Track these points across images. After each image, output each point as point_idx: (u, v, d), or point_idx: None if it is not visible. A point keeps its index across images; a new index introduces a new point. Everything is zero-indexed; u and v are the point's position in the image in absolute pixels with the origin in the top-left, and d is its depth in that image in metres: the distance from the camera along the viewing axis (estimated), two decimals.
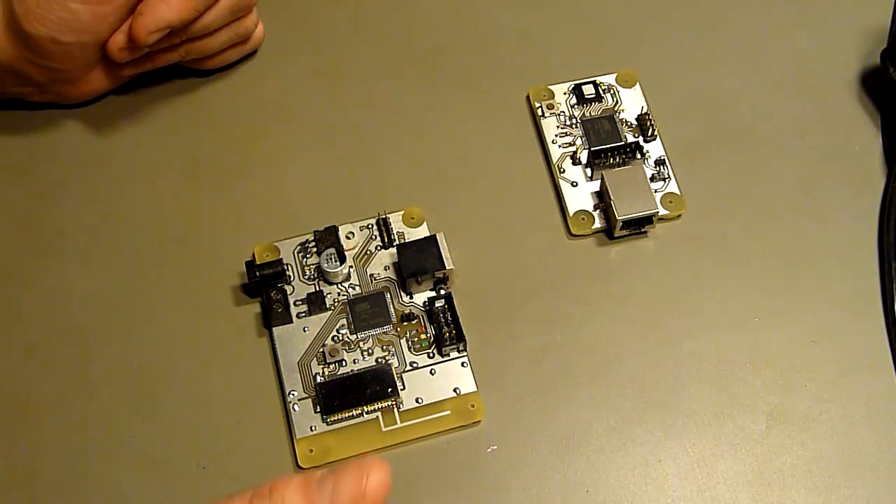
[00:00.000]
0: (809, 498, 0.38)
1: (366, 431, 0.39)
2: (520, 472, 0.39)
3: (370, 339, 0.41)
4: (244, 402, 0.40)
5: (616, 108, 0.46)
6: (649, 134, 0.45)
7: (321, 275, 0.42)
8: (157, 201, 0.44)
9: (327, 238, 0.42)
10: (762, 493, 0.38)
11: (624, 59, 0.47)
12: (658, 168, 0.44)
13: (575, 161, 0.44)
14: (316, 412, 0.39)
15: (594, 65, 0.47)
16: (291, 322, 0.41)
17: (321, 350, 0.40)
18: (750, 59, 0.47)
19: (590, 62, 0.47)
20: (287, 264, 0.42)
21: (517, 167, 0.45)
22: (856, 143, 0.45)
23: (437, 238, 0.41)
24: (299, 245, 0.42)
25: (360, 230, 0.43)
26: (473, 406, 0.39)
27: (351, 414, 0.39)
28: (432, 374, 0.40)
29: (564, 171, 0.44)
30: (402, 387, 0.40)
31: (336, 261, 0.41)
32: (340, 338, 0.41)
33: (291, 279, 0.42)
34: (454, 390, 0.40)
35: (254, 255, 0.42)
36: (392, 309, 0.41)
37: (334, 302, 0.41)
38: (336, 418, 0.39)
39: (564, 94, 0.46)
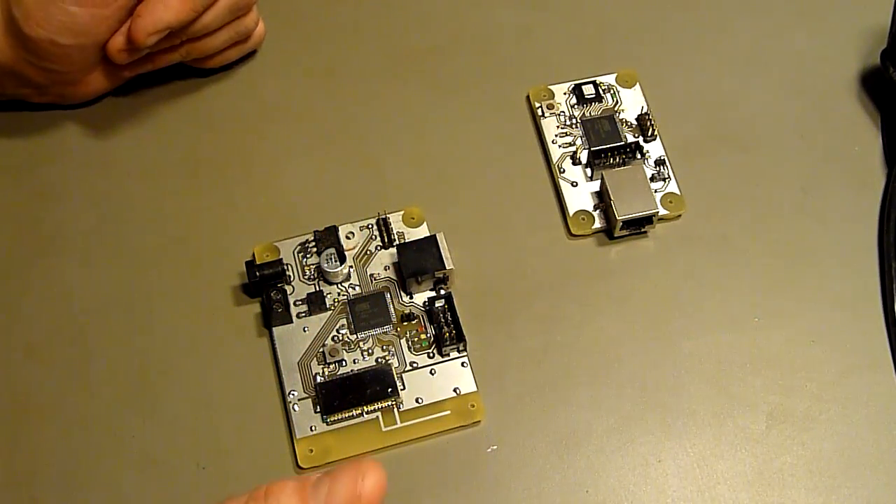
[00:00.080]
0: (809, 498, 0.38)
1: (366, 431, 0.39)
2: (520, 472, 0.39)
3: (370, 339, 0.41)
4: (244, 402, 0.40)
5: (616, 108, 0.46)
6: (649, 134, 0.45)
7: (321, 275, 0.42)
8: (157, 201, 0.44)
9: (327, 238, 0.42)
10: (762, 492, 0.38)
11: (624, 59, 0.47)
12: (658, 168, 0.44)
13: (575, 161, 0.44)
14: (316, 412, 0.39)
15: (594, 65, 0.47)
16: (291, 322, 0.41)
17: (321, 350, 0.40)
18: (750, 59, 0.47)
19: (590, 62, 0.47)
20: (287, 264, 0.42)
21: (517, 167, 0.45)
22: (856, 143, 0.45)
23: (437, 238, 0.41)
24: (299, 245, 0.42)
25: (360, 230, 0.43)
26: (473, 406, 0.39)
27: (351, 414, 0.39)
28: (432, 374, 0.40)
29: (564, 171, 0.44)
30: (402, 387, 0.40)
31: (336, 261, 0.41)
32: (340, 338, 0.41)
33: (291, 279, 0.42)
34: (454, 390, 0.40)
35: (254, 255, 0.42)
36: (392, 309, 0.41)
37: (334, 302, 0.41)
38: (336, 418, 0.39)
39: (564, 94, 0.46)
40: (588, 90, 0.46)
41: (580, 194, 0.44)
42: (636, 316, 0.42)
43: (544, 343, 0.41)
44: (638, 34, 0.48)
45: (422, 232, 0.43)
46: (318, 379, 0.40)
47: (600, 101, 0.46)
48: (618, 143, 0.44)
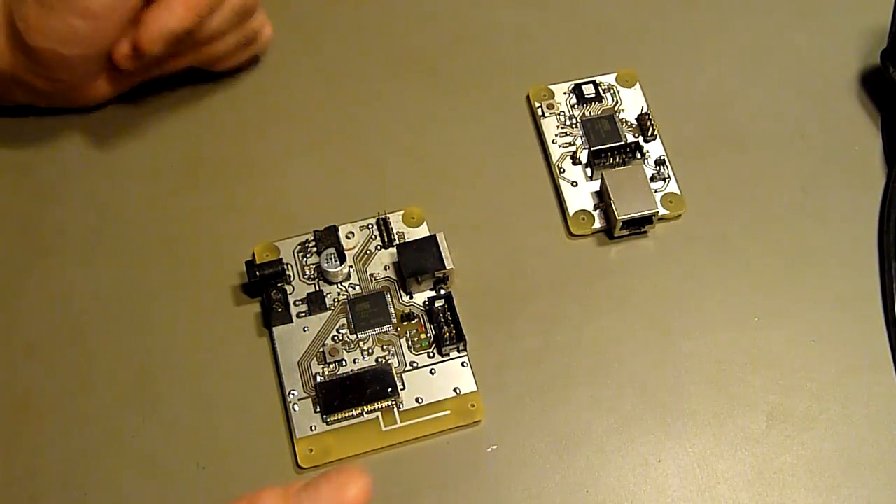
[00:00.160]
0: (809, 498, 0.38)
1: (366, 431, 0.39)
2: (520, 472, 0.39)
3: (370, 339, 0.41)
4: (244, 402, 0.40)
5: (616, 108, 0.46)
6: (649, 134, 0.45)
7: (321, 275, 0.42)
8: (157, 201, 0.44)
9: (327, 238, 0.42)
10: (762, 492, 0.38)
11: (624, 59, 0.47)
12: (658, 168, 0.44)
13: (575, 161, 0.44)
14: (316, 412, 0.39)
15: (594, 65, 0.47)
16: (291, 322, 0.41)
17: (321, 350, 0.40)
18: (750, 59, 0.47)
19: (590, 62, 0.47)
20: (287, 264, 0.42)
21: (517, 167, 0.45)
22: (856, 143, 0.45)
23: (437, 238, 0.41)
24: (299, 245, 0.42)
25: (360, 230, 0.43)
26: (473, 406, 0.39)
27: (351, 414, 0.39)
28: (432, 374, 0.40)
29: (564, 170, 0.44)
30: (402, 387, 0.40)
31: (336, 261, 0.41)
32: (340, 338, 0.41)
33: (291, 279, 0.42)
34: (454, 390, 0.40)
35: (254, 255, 0.42)
36: (392, 309, 0.41)
37: (334, 302, 0.41)
38: (336, 418, 0.39)
39: (564, 93, 0.46)
40: (588, 90, 0.46)
41: (580, 194, 0.44)
42: (636, 316, 0.42)
43: (544, 343, 0.41)
44: (638, 34, 0.48)
45: (422, 232, 0.43)
46: (318, 379, 0.40)
47: (600, 101, 0.46)
48: (618, 143, 0.44)
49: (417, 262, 0.41)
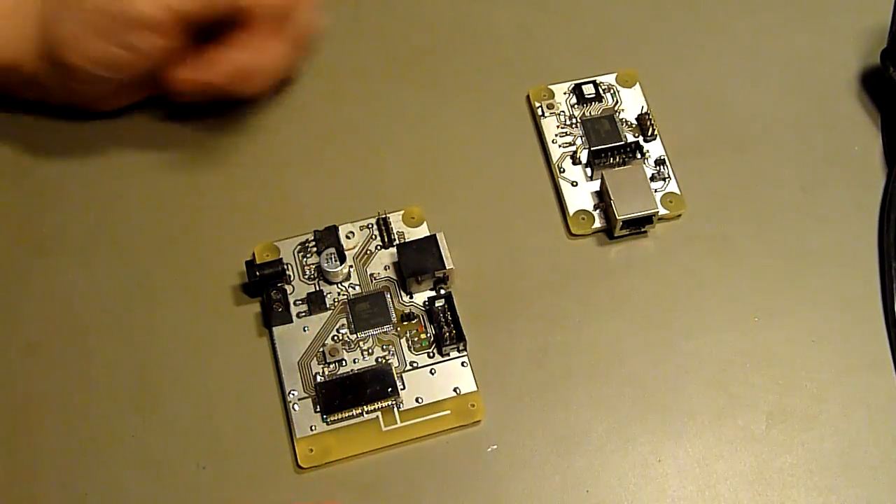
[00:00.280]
0: (809, 498, 0.38)
1: (366, 431, 0.39)
2: (520, 472, 0.39)
3: (370, 339, 0.41)
4: (244, 402, 0.40)
5: (616, 108, 0.46)
6: (649, 134, 0.45)
7: (321, 274, 0.42)
8: (157, 202, 0.44)
9: (327, 238, 0.42)
10: (762, 492, 0.38)
11: (624, 59, 0.47)
12: (658, 168, 0.44)
13: (575, 161, 0.44)
14: (316, 412, 0.39)
15: (594, 65, 0.47)
16: (291, 322, 0.41)
17: (321, 350, 0.40)
18: (750, 59, 0.47)
19: (590, 62, 0.47)
20: (287, 264, 0.42)
21: (517, 167, 0.45)
22: (856, 143, 0.45)
23: (437, 238, 0.41)
24: (299, 245, 0.42)
25: (360, 230, 0.43)
26: (473, 406, 0.39)
27: (351, 414, 0.39)
28: (432, 374, 0.40)
29: (564, 170, 0.44)
30: (402, 386, 0.40)
31: (336, 260, 0.41)
32: (340, 337, 0.41)
33: (291, 279, 0.42)
34: (454, 390, 0.40)
35: (254, 254, 0.42)
36: (392, 309, 0.41)
37: (334, 302, 0.41)
38: (336, 418, 0.39)
39: (564, 93, 0.46)
40: (588, 90, 0.46)
41: (580, 194, 0.44)
42: (636, 316, 0.42)
43: (544, 343, 0.41)
44: (638, 34, 0.48)
45: (422, 232, 0.43)
46: (318, 379, 0.40)
47: (600, 101, 0.46)
48: (618, 143, 0.44)
49: (417, 262, 0.41)
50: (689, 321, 0.41)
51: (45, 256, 0.43)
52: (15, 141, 0.45)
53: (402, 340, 0.41)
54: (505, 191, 0.44)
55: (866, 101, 0.46)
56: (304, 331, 0.41)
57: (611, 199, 0.42)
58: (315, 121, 0.46)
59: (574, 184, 0.44)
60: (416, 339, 0.41)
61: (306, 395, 0.40)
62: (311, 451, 0.39)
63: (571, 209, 0.43)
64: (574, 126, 0.45)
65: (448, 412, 0.39)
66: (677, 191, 0.44)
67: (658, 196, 0.43)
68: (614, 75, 0.46)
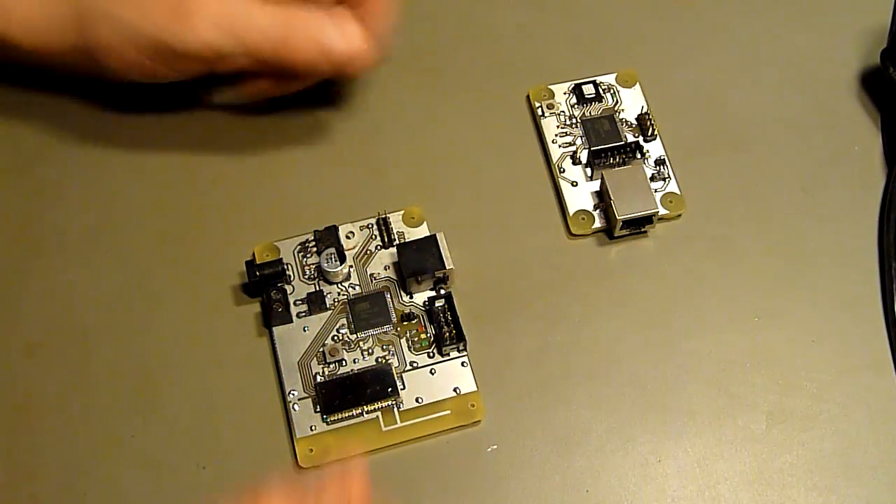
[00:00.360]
0: (809, 498, 0.38)
1: (366, 431, 0.39)
2: (520, 472, 0.39)
3: (370, 339, 0.41)
4: (244, 402, 0.40)
5: (616, 108, 0.46)
6: (649, 134, 0.45)
7: (321, 274, 0.42)
8: (157, 201, 0.44)
9: (327, 238, 0.42)
10: (762, 492, 0.38)
11: (624, 59, 0.47)
12: (658, 168, 0.44)
13: (575, 161, 0.44)
14: (316, 412, 0.39)
15: (594, 65, 0.47)
16: (291, 322, 0.41)
17: (321, 350, 0.40)
18: (750, 59, 0.47)
19: (590, 62, 0.47)
20: (287, 264, 0.42)
21: (517, 167, 0.45)
22: (856, 143, 0.45)
23: (437, 238, 0.41)
24: (299, 245, 0.42)
25: (360, 230, 0.43)
26: (473, 406, 0.39)
27: (351, 413, 0.39)
28: (432, 374, 0.40)
29: (564, 170, 0.44)
30: (402, 386, 0.40)
31: (336, 260, 0.41)
32: (340, 337, 0.41)
33: (291, 279, 0.42)
34: (454, 390, 0.40)
35: (254, 254, 0.42)
36: (392, 309, 0.41)
37: (334, 302, 0.41)
38: (336, 418, 0.39)
39: (564, 93, 0.46)
40: (588, 90, 0.46)
41: (580, 194, 0.44)
42: (636, 316, 0.42)
43: (544, 343, 0.41)
44: (638, 34, 0.48)
45: (422, 232, 0.43)
46: (318, 378, 0.40)
47: (600, 101, 0.46)
48: (618, 143, 0.44)
49: (417, 262, 0.41)
50: (689, 321, 0.41)
51: (45, 256, 0.43)
52: (15, 141, 0.45)
53: (402, 340, 0.41)
54: (505, 191, 0.44)
55: (866, 101, 0.46)
56: (304, 331, 0.41)
57: (611, 199, 0.42)
58: (315, 121, 0.46)
59: (574, 184, 0.44)
60: (416, 339, 0.41)
61: (306, 395, 0.40)
62: (311, 451, 0.39)
63: (571, 209, 0.43)
64: (574, 126, 0.45)
65: (448, 412, 0.39)
66: (677, 191, 0.44)
67: (658, 196, 0.43)
68: (614, 75, 0.46)
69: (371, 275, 0.42)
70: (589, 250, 0.43)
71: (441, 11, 0.49)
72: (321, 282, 0.42)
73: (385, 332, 0.41)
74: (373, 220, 0.43)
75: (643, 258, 0.43)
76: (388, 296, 0.41)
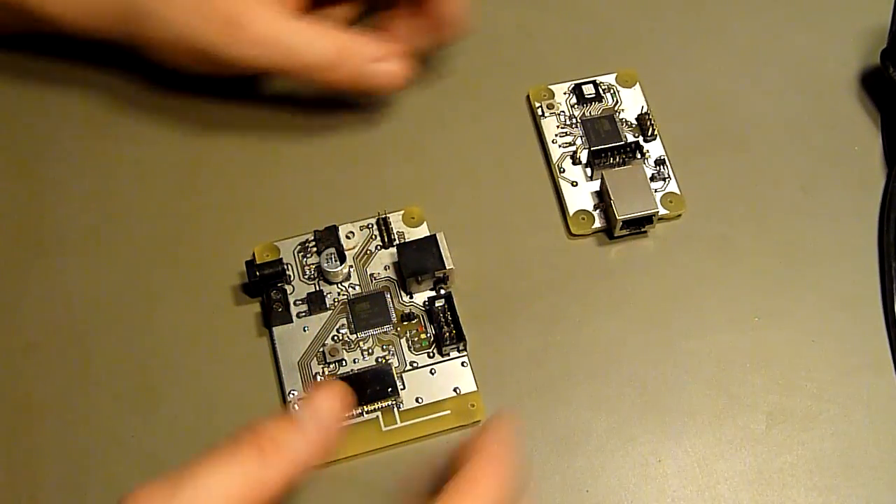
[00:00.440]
0: (809, 498, 0.38)
1: (366, 431, 0.39)
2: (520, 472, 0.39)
3: (370, 339, 0.41)
4: (244, 402, 0.40)
5: (616, 108, 0.46)
6: (649, 134, 0.45)
7: (321, 274, 0.42)
8: (157, 201, 0.44)
9: (327, 238, 0.42)
10: (762, 492, 0.38)
11: (624, 59, 0.47)
12: (658, 168, 0.44)
13: (575, 161, 0.44)
14: None
15: (594, 65, 0.47)
16: (291, 322, 0.41)
17: (321, 350, 0.40)
18: (750, 58, 0.47)
19: (590, 62, 0.47)
20: (287, 264, 0.42)
21: (517, 167, 0.45)
22: (856, 143, 0.45)
23: (437, 238, 0.41)
24: (299, 245, 0.42)
25: (360, 230, 0.43)
26: (473, 406, 0.39)
27: (351, 413, 0.39)
28: (432, 374, 0.40)
29: (564, 170, 0.44)
30: (402, 386, 0.40)
31: (336, 260, 0.41)
32: (340, 337, 0.41)
33: (291, 279, 0.42)
34: (454, 390, 0.40)
35: (254, 254, 0.42)
36: (392, 309, 0.41)
37: (334, 302, 0.41)
38: None
39: (564, 93, 0.46)
40: (588, 90, 0.46)
41: (580, 194, 0.44)
42: (636, 316, 0.42)
43: (544, 343, 0.41)
44: (638, 34, 0.48)
45: (422, 232, 0.43)
46: (319, 378, 0.40)
47: (600, 101, 0.46)
48: (618, 143, 0.44)
49: (417, 262, 0.41)
50: (689, 321, 0.41)
51: (45, 256, 0.43)
52: (15, 141, 0.45)
53: (402, 340, 0.41)
54: (505, 191, 0.44)
55: (866, 101, 0.46)
56: (304, 331, 0.41)
57: (611, 199, 0.42)
58: (315, 121, 0.46)
59: (574, 184, 0.44)
60: (416, 339, 0.41)
61: (306, 395, 0.40)
62: None
63: (571, 209, 0.43)
64: (574, 126, 0.45)
65: (448, 412, 0.39)
66: (677, 191, 0.44)
67: (658, 196, 0.43)
68: (614, 75, 0.46)
69: (371, 275, 0.42)
70: (589, 250, 0.43)
71: None
72: (321, 282, 0.42)
73: (385, 332, 0.41)
74: (373, 220, 0.43)
75: (643, 258, 0.43)
76: (388, 296, 0.41)
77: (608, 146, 0.44)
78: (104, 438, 0.39)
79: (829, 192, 0.44)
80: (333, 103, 0.46)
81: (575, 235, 0.43)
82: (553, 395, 0.40)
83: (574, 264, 0.43)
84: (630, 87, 0.46)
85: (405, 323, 0.41)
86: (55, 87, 0.46)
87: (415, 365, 0.40)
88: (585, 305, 0.42)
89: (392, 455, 0.39)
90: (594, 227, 0.43)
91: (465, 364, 0.40)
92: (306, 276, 0.42)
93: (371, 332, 0.41)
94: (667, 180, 0.44)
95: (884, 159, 0.45)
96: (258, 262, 0.41)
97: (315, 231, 0.42)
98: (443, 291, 0.41)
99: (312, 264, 0.42)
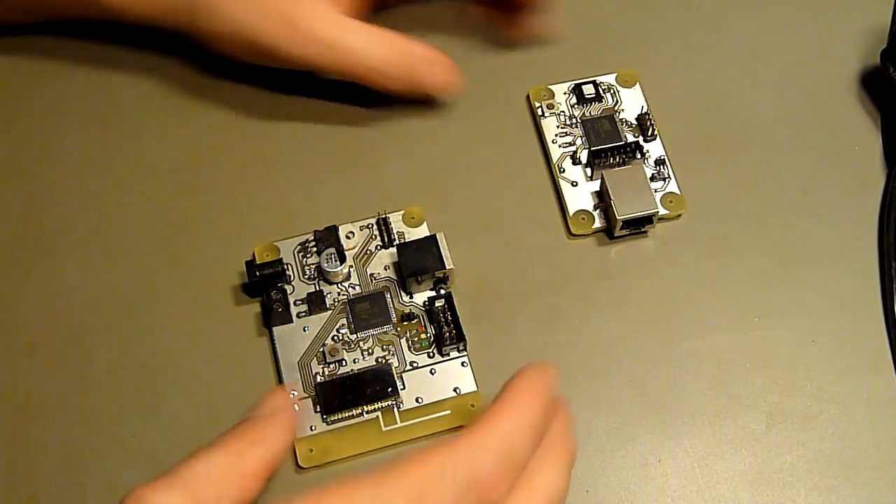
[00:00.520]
0: (809, 498, 0.38)
1: (366, 431, 0.39)
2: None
3: (370, 339, 0.41)
4: (244, 402, 0.40)
5: (616, 108, 0.46)
6: (649, 134, 0.45)
7: (321, 274, 0.42)
8: (157, 201, 0.44)
9: (327, 238, 0.42)
10: (762, 492, 0.38)
11: (624, 59, 0.47)
12: (658, 168, 0.44)
13: (575, 161, 0.44)
14: (316, 412, 0.39)
15: (594, 65, 0.47)
16: (291, 322, 0.41)
17: (321, 350, 0.40)
18: (750, 58, 0.47)
19: (590, 62, 0.47)
20: (287, 264, 0.42)
21: (517, 167, 0.45)
22: (856, 143, 0.45)
23: (437, 238, 0.41)
24: (299, 245, 0.42)
25: (360, 230, 0.43)
26: (473, 406, 0.39)
27: (351, 414, 0.39)
28: (432, 374, 0.40)
29: (564, 170, 0.44)
30: (402, 386, 0.40)
31: (336, 261, 0.41)
32: (340, 337, 0.41)
33: (291, 279, 0.42)
34: (454, 390, 0.40)
35: (254, 254, 0.42)
36: (392, 309, 0.41)
37: (334, 302, 0.41)
38: (336, 418, 0.39)
39: (564, 93, 0.46)
40: (588, 90, 0.46)
41: (580, 194, 0.44)
42: (636, 316, 0.42)
43: (544, 343, 0.41)
44: (638, 34, 0.48)
45: (422, 232, 0.43)
46: (318, 379, 0.40)
47: (600, 101, 0.46)
48: (618, 143, 0.44)
49: (417, 262, 0.41)
50: (689, 321, 0.41)
51: (45, 256, 0.43)
52: (15, 141, 0.45)
53: (402, 340, 0.41)
54: (505, 191, 0.44)
55: (866, 101, 0.46)
56: (304, 331, 0.41)
57: (611, 199, 0.42)
58: (315, 121, 0.46)
59: (574, 184, 0.44)
60: (416, 339, 0.41)
61: (306, 395, 0.40)
62: (311, 451, 0.39)
63: (571, 209, 0.43)
64: (574, 126, 0.45)
65: (448, 412, 0.39)
66: (677, 191, 0.44)
67: (658, 196, 0.43)
68: (614, 75, 0.46)
69: (371, 275, 0.42)
70: (589, 250, 0.43)
71: (441, 11, 0.48)
72: (321, 282, 0.42)
73: (385, 332, 0.41)
74: (373, 220, 0.43)
75: (643, 258, 0.43)
76: (388, 296, 0.41)
77: (608, 146, 0.44)
78: (104, 438, 0.39)
79: (829, 192, 0.44)
80: (333, 103, 0.46)
81: (575, 235, 0.43)
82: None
83: (574, 264, 0.43)
84: (630, 87, 0.46)
85: (405, 323, 0.41)
86: (55, 87, 0.46)
87: (415, 365, 0.40)
88: (585, 305, 0.42)
89: (392, 455, 0.39)
90: (594, 227, 0.43)
91: (465, 364, 0.40)
92: (306, 276, 0.42)
93: (371, 332, 0.41)
94: (667, 180, 0.44)
95: (884, 159, 0.45)
96: (258, 262, 0.41)
97: (315, 231, 0.42)
98: (443, 291, 0.41)
99: (312, 264, 0.42)
